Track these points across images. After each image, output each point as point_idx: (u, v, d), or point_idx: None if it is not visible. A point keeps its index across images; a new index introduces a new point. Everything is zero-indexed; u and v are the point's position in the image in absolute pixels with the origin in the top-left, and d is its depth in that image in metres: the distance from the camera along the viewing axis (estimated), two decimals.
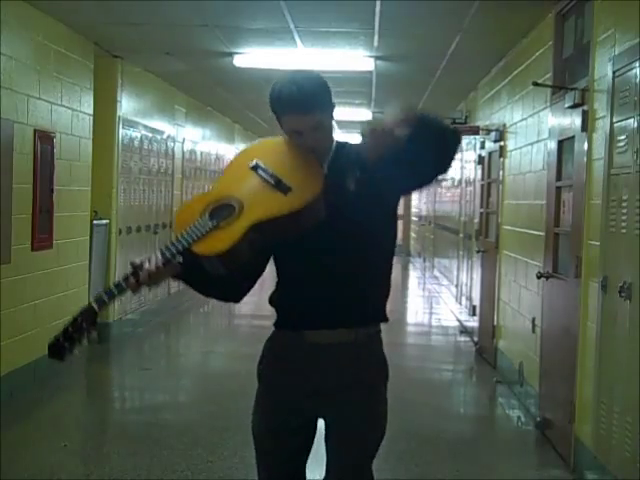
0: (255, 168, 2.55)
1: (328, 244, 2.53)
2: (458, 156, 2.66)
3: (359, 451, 2.66)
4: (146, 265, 2.38)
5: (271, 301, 2.70)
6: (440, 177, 2.63)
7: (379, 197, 2.54)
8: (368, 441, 2.66)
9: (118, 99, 8.43)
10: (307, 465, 2.74)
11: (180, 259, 2.43)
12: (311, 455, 2.73)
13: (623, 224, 4.08)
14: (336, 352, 2.58)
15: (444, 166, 2.54)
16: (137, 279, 2.39)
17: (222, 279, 2.51)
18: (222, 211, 2.45)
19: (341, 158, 2.60)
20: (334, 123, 2.72)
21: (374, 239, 2.59)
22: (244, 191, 2.51)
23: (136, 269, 2.39)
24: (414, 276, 17.98)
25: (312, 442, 2.72)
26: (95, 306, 2.39)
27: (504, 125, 7.58)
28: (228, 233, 2.41)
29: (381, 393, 2.68)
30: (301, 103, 2.47)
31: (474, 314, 9.06)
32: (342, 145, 2.66)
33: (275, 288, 2.70)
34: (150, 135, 9.58)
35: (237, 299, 2.71)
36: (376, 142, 2.38)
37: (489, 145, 8.38)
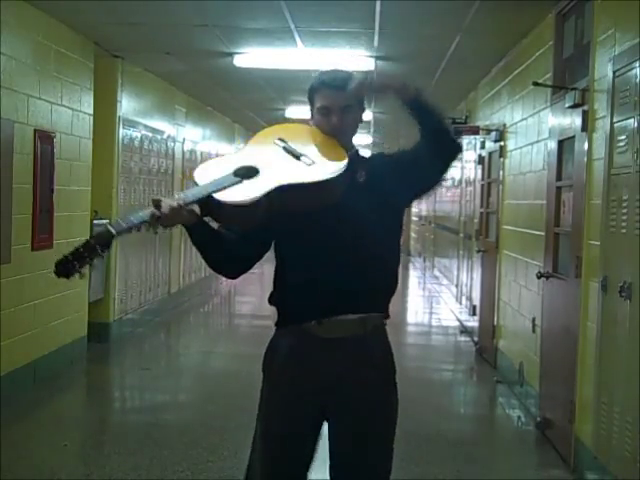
0: (277, 142, 2.64)
1: (334, 232, 2.59)
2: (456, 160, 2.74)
3: (380, 443, 2.69)
4: (167, 200, 2.41)
5: (272, 300, 2.70)
6: (443, 178, 2.76)
7: (386, 194, 2.64)
8: (387, 433, 2.72)
9: (118, 99, 8.43)
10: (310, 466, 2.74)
11: (198, 210, 2.47)
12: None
13: (623, 224, 4.08)
14: (348, 345, 2.61)
15: (447, 162, 2.70)
16: (158, 211, 2.39)
17: (227, 246, 2.58)
18: (245, 172, 2.51)
19: (355, 158, 2.71)
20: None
21: (379, 232, 2.64)
22: (268, 159, 2.58)
23: (158, 203, 2.40)
24: (414, 276, 17.98)
25: (317, 447, 2.71)
26: (112, 230, 2.37)
27: (504, 125, 7.58)
28: (252, 188, 2.46)
29: (394, 383, 2.74)
30: (338, 79, 2.66)
31: (474, 314, 9.06)
32: (358, 152, 2.78)
33: (276, 287, 2.71)
34: (150, 135, 9.58)
35: (234, 275, 2.75)
36: (384, 82, 2.66)
37: (489, 145, 8.38)
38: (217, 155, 13.59)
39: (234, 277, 2.76)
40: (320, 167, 2.56)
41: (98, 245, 2.36)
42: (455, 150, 2.70)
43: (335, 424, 2.67)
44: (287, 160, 2.59)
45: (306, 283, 2.60)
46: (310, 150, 2.63)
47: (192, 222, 2.48)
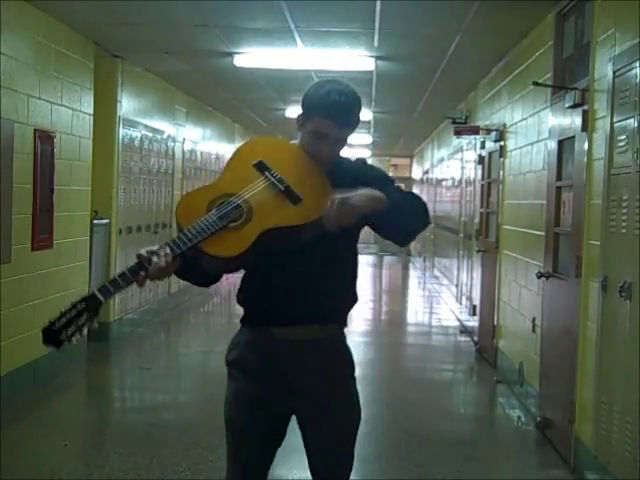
0: (260, 168, 2.55)
1: (297, 253, 2.58)
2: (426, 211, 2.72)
3: (339, 439, 2.72)
4: (155, 259, 2.37)
5: (239, 300, 2.75)
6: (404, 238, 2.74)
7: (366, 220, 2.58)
8: (346, 429, 2.73)
9: (118, 99, 8.43)
10: (294, 464, 2.75)
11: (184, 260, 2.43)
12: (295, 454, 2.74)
13: (623, 224, 4.08)
14: (304, 348, 2.65)
15: (409, 235, 2.70)
16: (146, 274, 2.38)
17: (206, 271, 2.57)
18: (229, 210, 2.46)
19: (340, 172, 2.66)
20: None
21: (343, 247, 2.68)
22: (252, 193, 2.50)
23: (143, 263, 2.37)
24: (414, 276, 17.98)
25: (281, 441, 2.75)
26: (99, 296, 2.36)
27: (504, 125, 7.58)
28: (240, 237, 2.43)
29: (352, 385, 2.76)
30: (343, 115, 2.58)
31: (474, 314, 9.06)
32: (341, 159, 2.73)
33: (242, 286, 2.74)
34: (150, 135, 9.58)
35: (209, 285, 2.77)
36: (339, 214, 2.41)
37: (489, 145, 8.38)
38: (217, 155, 13.59)
39: (207, 287, 2.81)
40: (309, 205, 2.49)
41: (87, 311, 2.34)
42: (426, 222, 2.70)
43: (301, 422, 2.73)
44: (272, 197, 2.50)
45: (269, 291, 2.65)
46: (296, 177, 2.54)
47: (177, 267, 2.46)
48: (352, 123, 2.61)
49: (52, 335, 2.33)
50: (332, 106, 2.55)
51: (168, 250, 2.38)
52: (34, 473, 4.61)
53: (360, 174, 2.67)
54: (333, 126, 2.56)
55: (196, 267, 2.51)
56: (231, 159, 2.68)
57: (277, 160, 2.58)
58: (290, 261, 2.59)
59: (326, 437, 2.71)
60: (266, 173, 2.54)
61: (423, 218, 2.68)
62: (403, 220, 2.58)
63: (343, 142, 2.64)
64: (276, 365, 2.65)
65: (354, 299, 2.77)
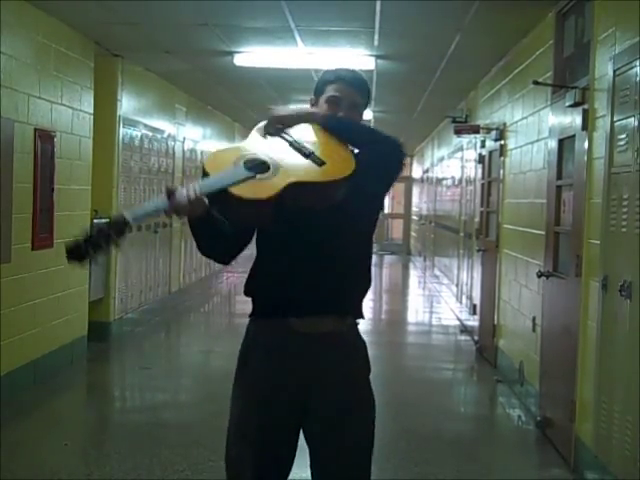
0: (285, 137, 2.60)
1: (315, 233, 2.57)
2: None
3: (360, 438, 2.67)
4: (183, 191, 2.38)
5: (248, 291, 2.69)
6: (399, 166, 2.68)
7: (365, 201, 2.62)
8: (366, 427, 2.69)
9: (118, 98, 8.43)
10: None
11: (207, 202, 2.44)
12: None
13: (623, 223, 4.08)
14: (324, 341, 2.61)
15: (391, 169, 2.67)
16: (172, 202, 2.38)
17: (222, 233, 2.55)
18: (257, 164, 2.49)
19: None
20: None
21: (358, 234, 2.68)
22: (277, 154, 2.55)
23: (172, 193, 2.38)
24: (414, 275, 17.97)
25: (297, 443, 2.68)
26: (128, 217, 2.32)
27: (504, 124, 7.58)
28: (269, 184, 2.44)
29: (369, 381, 2.73)
30: (354, 79, 2.74)
31: (474, 313, 9.06)
32: None
33: (253, 274, 2.69)
34: (150, 134, 9.57)
35: (224, 259, 2.74)
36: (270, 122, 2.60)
37: (489, 144, 8.38)
38: None
39: (226, 262, 2.75)
40: (332, 167, 2.54)
41: (112, 231, 2.30)
42: (394, 155, 2.65)
43: (314, 420, 2.63)
44: (297, 157, 2.55)
45: (285, 277, 2.60)
46: (319, 147, 2.58)
47: (199, 213, 2.45)
48: (362, 88, 2.74)
49: (76, 249, 2.29)
50: (343, 72, 2.75)
51: (197, 186, 2.41)
52: (34, 473, 4.61)
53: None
54: (345, 88, 2.70)
55: (216, 225, 2.51)
56: (254, 130, 2.70)
57: (299, 133, 2.64)
58: (309, 245, 2.57)
59: (345, 439, 2.63)
60: (289, 139, 2.60)
61: (389, 143, 2.63)
62: (360, 136, 2.66)
63: (357, 110, 2.72)
64: (294, 361, 2.60)
65: (369, 284, 2.75)
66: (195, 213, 2.43)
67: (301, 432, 2.69)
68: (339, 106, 2.68)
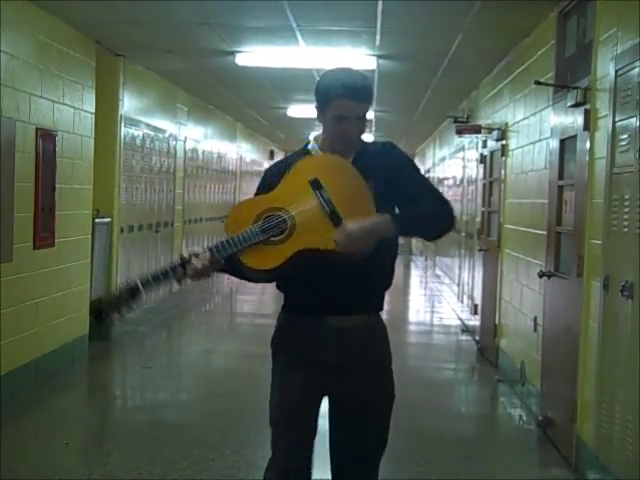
0: (315, 186, 2.65)
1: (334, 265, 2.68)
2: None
3: (379, 422, 2.85)
4: (194, 261, 2.57)
5: (280, 287, 2.84)
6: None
7: (392, 203, 2.75)
8: (384, 414, 2.87)
9: (120, 97, 8.43)
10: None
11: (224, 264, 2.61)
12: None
13: (625, 223, 4.08)
14: (355, 333, 2.77)
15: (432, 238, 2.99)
16: (184, 272, 2.58)
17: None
18: (273, 223, 2.59)
19: (366, 157, 2.78)
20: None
21: (386, 240, 2.72)
22: (300, 210, 2.61)
23: (184, 263, 2.57)
24: (416, 275, 17.98)
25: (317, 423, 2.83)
26: (141, 287, 2.58)
27: (506, 124, 7.58)
28: (276, 253, 2.58)
29: (391, 372, 2.90)
30: (357, 90, 2.70)
31: (476, 313, 9.06)
32: (366, 144, 2.86)
33: (285, 280, 2.80)
34: (152, 134, 9.57)
35: (271, 281, 2.87)
36: (348, 247, 2.59)
37: (491, 144, 8.38)
38: (218, 154, 13.59)
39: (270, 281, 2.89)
40: (345, 227, 2.59)
41: (128, 300, 2.60)
42: (447, 230, 2.85)
43: (337, 407, 2.82)
44: (318, 216, 2.61)
45: (316, 286, 2.73)
46: (344, 200, 2.63)
47: (218, 269, 2.63)
48: (367, 97, 2.73)
49: (99, 313, 2.64)
50: (343, 86, 2.68)
51: (208, 254, 2.57)
52: (35, 472, 4.61)
53: (384, 161, 2.78)
54: (350, 104, 2.69)
55: (241, 270, 2.67)
56: (289, 173, 2.73)
57: (330, 178, 2.68)
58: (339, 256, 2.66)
59: (369, 421, 2.80)
60: (317, 192, 2.64)
61: (444, 223, 2.81)
62: (422, 229, 2.84)
63: (364, 120, 2.75)
64: (328, 352, 2.75)
65: (392, 281, 2.89)
66: (208, 277, 2.63)
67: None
68: (346, 122, 2.70)
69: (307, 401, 2.78)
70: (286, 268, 2.59)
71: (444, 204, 2.79)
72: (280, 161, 2.97)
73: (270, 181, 2.75)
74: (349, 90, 2.67)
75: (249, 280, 2.79)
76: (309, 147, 2.84)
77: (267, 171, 2.89)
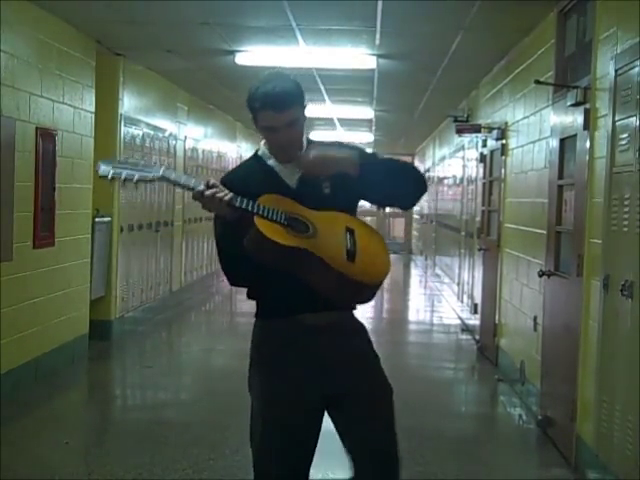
0: (349, 230, 2.71)
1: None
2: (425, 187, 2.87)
3: (386, 412, 2.81)
4: (217, 190, 2.57)
5: (251, 294, 2.82)
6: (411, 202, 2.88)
7: (351, 200, 2.79)
8: (388, 402, 2.83)
9: (120, 97, 8.42)
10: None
11: (235, 215, 2.61)
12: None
13: (625, 222, 4.08)
14: (333, 330, 2.76)
15: (406, 197, 2.83)
16: (203, 192, 2.57)
17: (244, 258, 2.65)
18: (298, 223, 2.63)
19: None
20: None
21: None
22: (325, 231, 2.66)
23: (209, 187, 2.57)
24: (416, 274, 17.98)
25: (318, 437, 2.79)
26: (160, 171, 2.58)
27: (506, 123, 7.58)
28: (291, 237, 2.59)
29: (378, 358, 2.88)
30: (277, 101, 2.64)
31: (476, 312, 9.06)
32: (317, 142, 2.83)
33: (257, 283, 2.78)
34: (152, 133, 9.57)
35: (242, 285, 2.86)
36: (312, 164, 2.66)
37: (491, 143, 8.38)
38: (218, 153, 13.58)
39: (235, 283, 2.86)
40: (356, 267, 2.65)
41: (140, 172, 2.56)
42: (420, 189, 2.82)
43: (340, 405, 2.76)
44: (338, 243, 2.66)
45: (286, 286, 2.70)
46: (363, 246, 2.69)
47: (224, 217, 2.62)
48: (291, 103, 2.67)
49: (106, 165, 2.57)
50: (265, 97, 2.65)
51: (230, 195, 2.57)
52: (35, 471, 4.61)
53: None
54: (274, 114, 2.65)
55: (238, 241, 2.61)
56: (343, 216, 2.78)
57: (362, 232, 2.74)
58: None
59: (372, 411, 2.77)
60: (349, 238, 2.69)
61: (416, 179, 2.80)
62: (389, 180, 2.72)
63: (297, 123, 2.70)
64: (312, 350, 2.73)
65: None
66: (216, 210, 2.60)
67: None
68: (276, 132, 2.68)
69: (301, 413, 2.74)
70: (280, 257, 2.60)
71: (413, 166, 2.84)
72: (234, 173, 2.89)
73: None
74: (270, 101, 2.64)
75: (231, 269, 2.76)
76: (259, 153, 2.85)
77: (228, 185, 2.74)
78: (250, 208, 2.57)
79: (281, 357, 2.75)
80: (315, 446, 2.78)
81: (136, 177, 2.56)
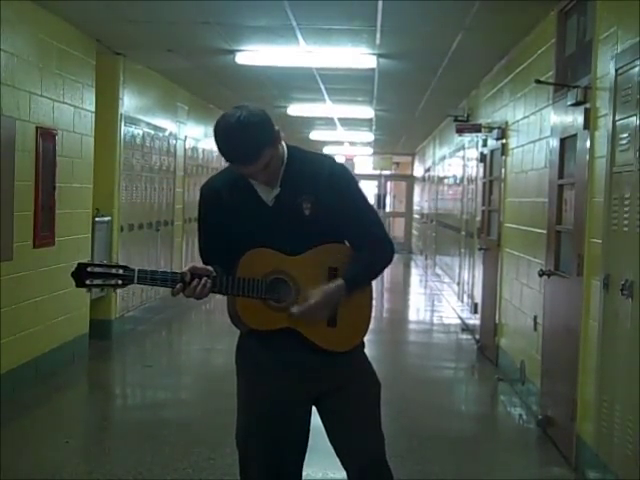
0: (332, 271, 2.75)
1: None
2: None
3: (372, 406, 2.84)
4: (195, 284, 2.64)
5: (235, 322, 2.91)
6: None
7: (332, 222, 2.75)
8: (373, 398, 2.87)
9: (120, 96, 8.42)
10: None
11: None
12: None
13: (625, 222, 4.08)
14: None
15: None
16: (183, 289, 2.64)
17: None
18: (280, 289, 2.68)
19: (295, 173, 2.73)
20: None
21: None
22: (310, 291, 2.69)
23: (185, 283, 2.62)
24: (416, 274, 17.97)
25: (308, 437, 2.82)
26: (136, 277, 2.61)
27: (506, 123, 7.58)
28: (269, 318, 2.69)
29: (364, 344, 2.94)
30: (244, 156, 2.60)
31: (476, 312, 9.06)
32: (297, 156, 2.77)
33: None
34: (152, 132, 9.57)
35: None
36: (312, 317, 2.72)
37: (491, 143, 8.38)
38: (218, 153, 13.56)
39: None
40: (336, 337, 2.75)
41: (116, 279, 2.59)
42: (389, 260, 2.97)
43: (325, 402, 2.79)
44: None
45: None
46: (348, 310, 2.78)
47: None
48: (259, 153, 2.59)
49: (81, 274, 2.57)
50: (229, 154, 2.63)
51: (209, 285, 2.65)
52: (35, 470, 4.61)
53: (326, 177, 2.74)
54: (242, 167, 2.64)
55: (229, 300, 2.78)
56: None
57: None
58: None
59: (357, 407, 2.79)
60: (335, 305, 2.74)
61: (384, 265, 2.96)
62: (367, 280, 2.92)
63: (270, 162, 2.64)
64: (294, 356, 2.75)
65: None
66: (201, 298, 2.72)
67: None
68: (251, 175, 2.68)
69: (285, 412, 2.78)
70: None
71: (385, 244, 2.86)
72: (214, 183, 2.88)
73: (215, 211, 2.83)
74: (237, 158, 2.62)
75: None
76: None
77: (206, 196, 2.88)
78: (230, 291, 2.67)
79: (265, 358, 2.82)
80: (305, 445, 2.81)
81: (110, 286, 2.61)
